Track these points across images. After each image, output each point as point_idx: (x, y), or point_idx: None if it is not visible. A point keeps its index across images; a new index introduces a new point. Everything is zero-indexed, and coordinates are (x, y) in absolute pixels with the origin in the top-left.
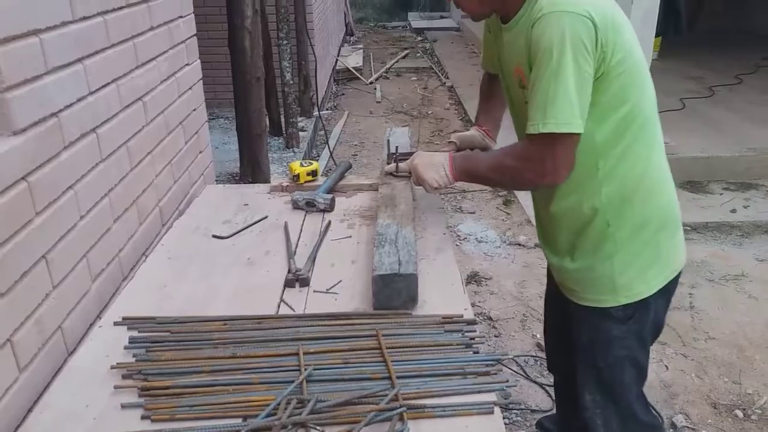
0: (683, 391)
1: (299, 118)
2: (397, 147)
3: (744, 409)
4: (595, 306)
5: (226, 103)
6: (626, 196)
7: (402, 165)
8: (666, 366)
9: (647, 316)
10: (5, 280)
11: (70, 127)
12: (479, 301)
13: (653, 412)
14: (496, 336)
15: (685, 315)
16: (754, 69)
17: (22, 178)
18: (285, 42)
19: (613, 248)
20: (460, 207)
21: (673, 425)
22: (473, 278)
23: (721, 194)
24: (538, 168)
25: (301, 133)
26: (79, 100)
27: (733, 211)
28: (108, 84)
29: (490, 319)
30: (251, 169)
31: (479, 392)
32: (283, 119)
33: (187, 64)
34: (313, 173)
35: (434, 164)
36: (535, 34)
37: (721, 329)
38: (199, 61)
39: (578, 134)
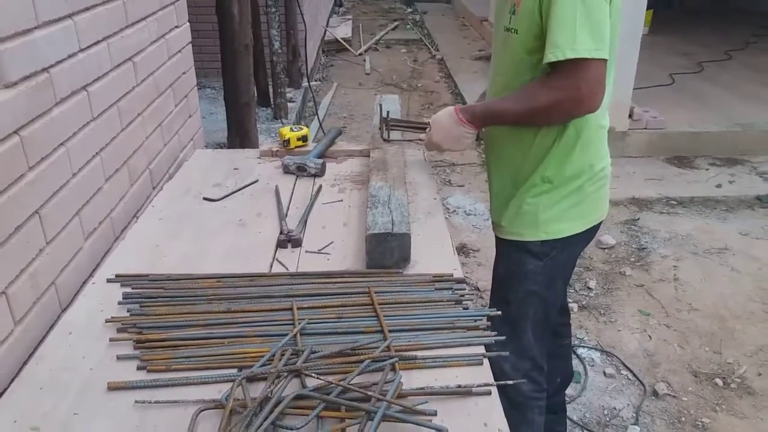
0: (665, 360)
1: (287, 89)
2: (388, 112)
3: (724, 378)
4: (517, 239)
5: (213, 72)
6: (568, 148)
7: (426, 147)
8: (649, 336)
9: (562, 257)
10: (1, 232)
11: (61, 83)
12: (467, 272)
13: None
14: (483, 306)
15: (669, 287)
16: (744, 45)
17: (15, 132)
18: (273, 10)
19: (544, 190)
20: (449, 180)
21: (655, 392)
22: (461, 250)
23: (707, 169)
24: (574, 95)
25: (289, 104)
26: (69, 56)
27: (719, 186)
28: (98, 42)
29: (478, 289)
30: (239, 138)
31: (468, 345)
32: (271, 89)
33: (177, 26)
34: (304, 138)
35: (455, 138)
36: None
37: (704, 301)
38: (188, 24)
39: (606, 60)
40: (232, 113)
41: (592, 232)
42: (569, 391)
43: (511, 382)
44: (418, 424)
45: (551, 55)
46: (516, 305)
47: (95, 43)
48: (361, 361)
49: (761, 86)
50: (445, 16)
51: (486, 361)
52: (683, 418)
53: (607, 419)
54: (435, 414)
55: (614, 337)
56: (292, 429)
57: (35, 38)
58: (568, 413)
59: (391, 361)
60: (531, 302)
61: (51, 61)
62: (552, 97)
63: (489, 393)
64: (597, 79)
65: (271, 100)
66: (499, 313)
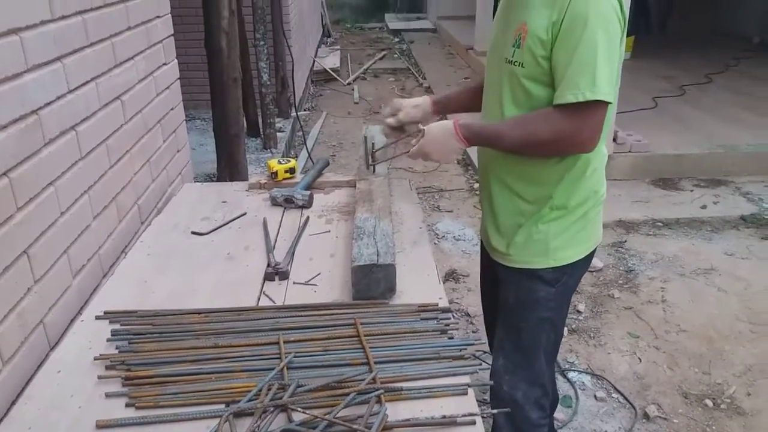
0: (655, 382)
1: (277, 119)
2: (373, 144)
3: (714, 399)
4: (527, 267)
5: (203, 104)
6: (578, 176)
7: (412, 154)
8: (639, 358)
9: (571, 281)
10: None
11: (50, 124)
12: (457, 298)
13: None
14: (473, 331)
15: (657, 309)
16: (724, 69)
17: (4, 174)
18: (262, 43)
19: (553, 217)
20: (437, 206)
21: (646, 415)
22: (451, 275)
23: (691, 191)
24: (575, 136)
25: (278, 134)
26: (58, 98)
27: (704, 207)
28: (87, 82)
29: (468, 315)
30: (229, 170)
31: (454, 375)
32: (260, 120)
33: (165, 64)
34: (291, 170)
35: (447, 151)
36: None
37: (692, 322)
38: (176, 60)
39: (610, 103)
40: (222, 145)
41: (592, 254)
42: (561, 415)
43: (495, 411)
44: None
45: (571, 96)
46: (528, 332)
47: (83, 84)
48: (347, 394)
49: (742, 109)
50: (431, 44)
51: (471, 391)
52: None
53: None
54: None
55: (604, 360)
56: None
57: (24, 82)
58: None
59: (376, 393)
60: (543, 329)
61: (40, 103)
62: (553, 134)
63: (473, 423)
64: (598, 122)
65: (261, 130)
66: (483, 341)
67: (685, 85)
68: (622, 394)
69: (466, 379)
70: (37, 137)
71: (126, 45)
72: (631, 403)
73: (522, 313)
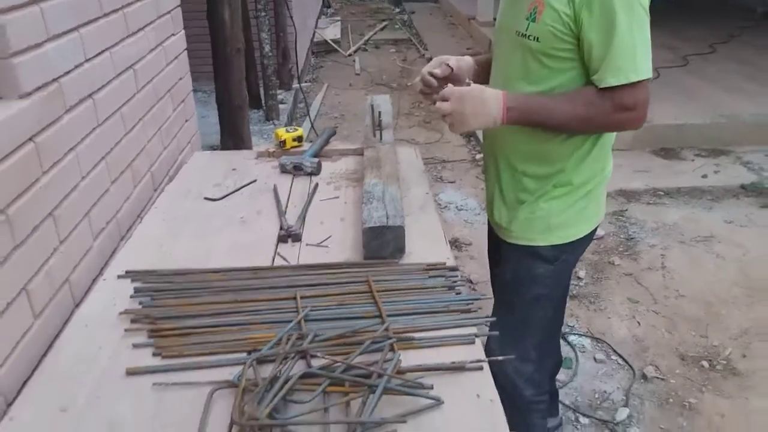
0: (654, 345)
1: (278, 91)
2: (380, 112)
3: (710, 360)
4: (527, 245)
5: (204, 76)
6: (586, 153)
7: (447, 91)
8: (638, 322)
9: (571, 258)
10: (19, 233)
11: (70, 92)
12: (460, 265)
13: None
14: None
15: (656, 274)
16: (728, 39)
17: (30, 139)
18: (263, 14)
19: (557, 194)
20: (440, 176)
21: (644, 376)
22: (453, 244)
23: (692, 160)
24: (637, 117)
25: (280, 106)
26: (76, 66)
27: (704, 176)
28: (102, 52)
29: (470, 281)
30: (233, 141)
31: (461, 326)
32: (262, 91)
33: (173, 34)
34: (299, 139)
35: (481, 113)
36: None
37: (691, 287)
38: (183, 31)
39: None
40: (225, 116)
41: (594, 231)
42: (561, 376)
43: (500, 358)
44: (416, 395)
45: (613, 79)
46: (520, 309)
47: (99, 53)
48: (362, 343)
49: (745, 78)
50: (432, 15)
51: (478, 341)
52: (671, 400)
53: (598, 402)
54: (431, 388)
55: (604, 324)
56: (300, 402)
57: (46, 50)
58: (560, 398)
59: (389, 341)
60: (537, 306)
61: (60, 72)
62: (619, 117)
63: (481, 368)
64: (646, 99)
65: (263, 102)
66: (489, 297)
67: (688, 55)
68: (621, 356)
69: (473, 330)
70: (59, 104)
71: (137, 15)
72: (629, 365)
73: (517, 289)
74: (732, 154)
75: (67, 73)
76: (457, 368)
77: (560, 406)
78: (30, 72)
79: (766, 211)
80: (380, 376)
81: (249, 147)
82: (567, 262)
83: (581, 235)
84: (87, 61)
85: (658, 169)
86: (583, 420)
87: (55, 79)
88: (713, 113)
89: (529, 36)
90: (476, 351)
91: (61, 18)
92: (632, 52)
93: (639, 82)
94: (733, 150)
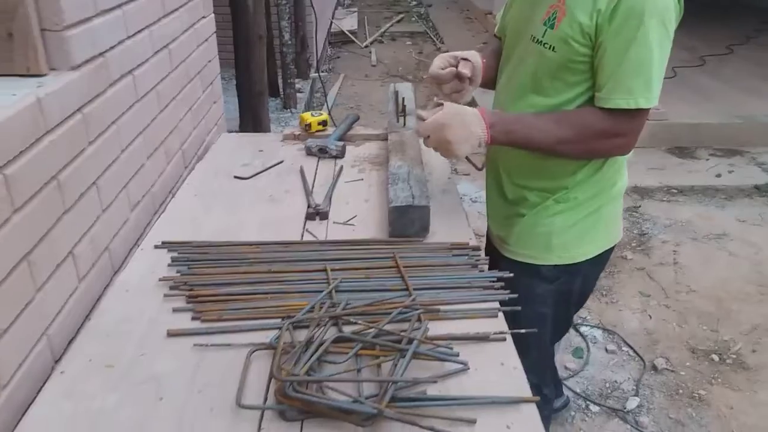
0: (665, 338)
1: (296, 79)
2: (403, 98)
3: (720, 354)
4: (527, 262)
5: (224, 63)
6: (595, 168)
7: (423, 125)
8: (649, 315)
9: (575, 281)
10: (68, 199)
11: (114, 66)
12: None
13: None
14: None
15: (668, 270)
16: (745, 40)
17: (78, 110)
18: (284, 2)
19: (559, 210)
20: (454, 169)
21: (654, 367)
22: None
23: (707, 159)
24: (626, 144)
25: (298, 95)
26: (119, 42)
27: (718, 175)
28: (142, 30)
29: None
30: (252, 127)
31: (485, 301)
32: (280, 80)
33: (204, 17)
34: (324, 123)
35: (465, 135)
36: None
37: (702, 283)
38: (213, 14)
39: None
40: (246, 102)
41: (608, 254)
42: (572, 365)
43: (523, 330)
44: (444, 359)
45: (622, 102)
46: (523, 326)
47: (139, 31)
48: (390, 313)
49: (762, 80)
50: (449, 9)
51: (501, 315)
52: (681, 391)
53: (609, 391)
54: (458, 354)
55: (616, 317)
56: (334, 363)
57: (94, 25)
58: (571, 386)
59: (417, 312)
60: (540, 324)
61: (106, 47)
62: (595, 138)
63: (504, 339)
64: (642, 127)
65: (281, 90)
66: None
67: (705, 56)
68: (632, 348)
69: (496, 305)
70: (104, 78)
71: None
72: (640, 356)
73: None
74: (747, 155)
75: (112, 48)
76: (482, 338)
77: (571, 393)
78: (80, 45)
79: None
80: (410, 341)
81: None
82: (569, 284)
83: (586, 257)
84: (129, 38)
85: (673, 167)
86: (594, 408)
87: (101, 54)
88: (729, 114)
89: (545, 44)
90: (499, 323)
91: None
92: (648, 74)
93: (644, 110)
94: (747, 150)
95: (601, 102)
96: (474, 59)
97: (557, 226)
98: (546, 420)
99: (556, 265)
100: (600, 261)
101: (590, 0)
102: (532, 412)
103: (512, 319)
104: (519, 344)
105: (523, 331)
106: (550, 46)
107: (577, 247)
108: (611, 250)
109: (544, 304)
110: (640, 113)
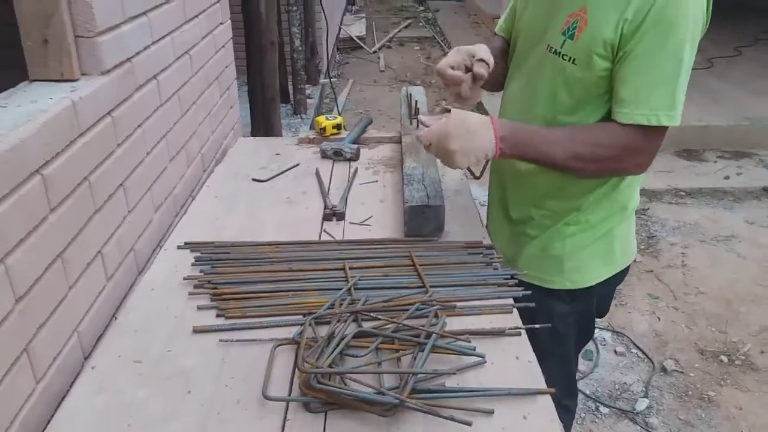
0: (673, 340)
1: (306, 85)
2: (416, 101)
3: (729, 355)
4: (539, 285)
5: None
6: (610, 190)
7: (426, 132)
8: (658, 318)
9: (592, 300)
10: (98, 199)
11: (140, 71)
12: None
13: (575, 395)
14: None
15: (677, 272)
16: (754, 42)
17: (108, 113)
18: (294, 8)
19: (569, 233)
20: (465, 173)
21: (664, 369)
22: None
23: (715, 162)
24: (638, 160)
25: (308, 100)
26: (145, 48)
27: (727, 177)
28: (164, 36)
29: None
30: (264, 132)
31: (500, 297)
32: (291, 86)
33: (221, 23)
34: (338, 126)
35: (471, 146)
36: (670, 3)
37: (711, 285)
38: (230, 21)
39: None
40: (258, 108)
41: (624, 273)
42: (582, 367)
43: (537, 326)
44: (462, 353)
45: (644, 119)
46: (538, 345)
47: (162, 37)
48: (408, 308)
49: None
50: (457, 14)
51: (515, 311)
52: (690, 392)
53: (618, 393)
54: (475, 348)
55: (625, 319)
56: (356, 356)
57: (122, 32)
58: (581, 388)
59: (434, 308)
60: (557, 342)
61: (133, 52)
62: (622, 163)
63: (519, 334)
64: (660, 144)
65: (291, 96)
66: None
67: (713, 58)
68: (641, 350)
69: (510, 301)
70: (131, 82)
71: (193, 3)
72: (649, 358)
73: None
74: (755, 157)
75: (138, 53)
76: (497, 333)
77: (581, 395)
78: (110, 51)
79: None
80: (428, 335)
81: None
82: (588, 304)
83: (600, 280)
84: (153, 44)
85: (681, 169)
86: (604, 410)
87: (128, 59)
88: (737, 116)
89: (564, 56)
90: (514, 319)
91: (135, 2)
92: (673, 90)
93: (665, 126)
94: (756, 153)
95: (621, 117)
96: (488, 59)
97: (568, 250)
98: (567, 429)
99: (570, 290)
100: (615, 280)
101: (617, 9)
102: (547, 403)
103: (532, 336)
104: (541, 362)
105: (537, 326)
106: (570, 58)
107: (590, 271)
108: (627, 269)
109: (564, 323)
110: (660, 131)
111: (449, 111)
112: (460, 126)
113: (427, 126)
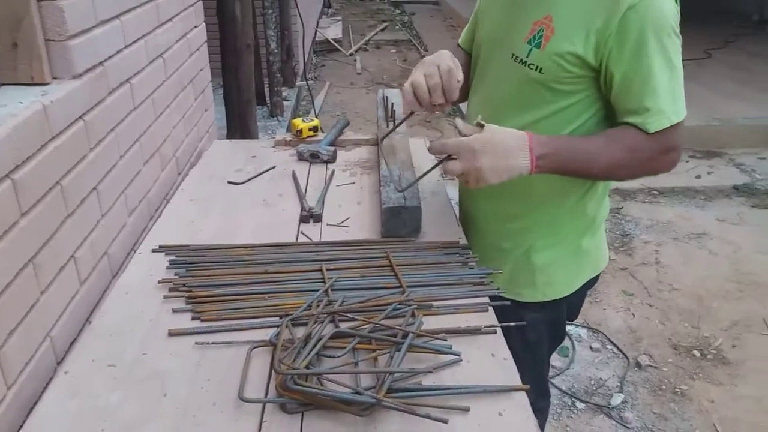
0: (647, 335)
1: (282, 88)
2: (392, 104)
3: (701, 350)
4: (510, 298)
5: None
6: (575, 206)
7: (452, 145)
8: (632, 314)
9: (563, 309)
10: (71, 204)
11: (112, 75)
12: None
13: (547, 395)
14: None
15: (651, 269)
16: (723, 45)
17: (80, 117)
18: (270, 11)
19: (542, 246)
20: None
21: (638, 364)
22: None
23: (687, 161)
24: (673, 156)
25: (284, 103)
26: (117, 52)
27: (698, 176)
28: (138, 40)
29: None
30: (240, 135)
31: (475, 297)
32: (267, 88)
33: (195, 26)
34: (315, 129)
35: (503, 166)
36: (641, 8)
37: (684, 282)
38: (204, 24)
39: None
40: (233, 111)
41: (594, 279)
42: (558, 363)
43: (513, 324)
44: (438, 351)
45: (656, 123)
46: (510, 352)
47: (135, 41)
48: (385, 308)
49: (739, 84)
50: (433, 17)
51: (491, 309)
52: (664, 386)
53: (594, 388)
54: (451, 347)
55: (600, 316)
56: (333, 357)
57: (94, 35)
58: (557, 384)
59: (411, 307)
60: (529, 350)
61: (105, 56)
62: (659, 163)
63: (495, 332)
64: (681, 138)
65: (268, 98)
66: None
67: (684, 60)
68: (616, 345)
69: (486, 300)
70: (104, 86)
71: (167, 6)
72: (624, 354)
73: (506, 335)
74: (726, 156)
75: (110, 57)
76: (473, 331)
77: (557, 392)
78: (82, 54)
79: (757, 210)
80: (405, 335)
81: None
82: (559, 312)
83: (572, 291)
84: (126, 47)
85: None
86: (580, 405)
87: (101, 63)
88: (708, 116)
89: (530, 65)
90: (490, 317)
91: (107, 5)
92: (670, 91)
93: (679, 124)
94: (726, 152)
95: (639, 125)
96: (454, 66)
97: (539, 265)
98: (541, 427)
99: (542, 302)
100: (586, 287)
101: (584, 17)
102: (522, 399)
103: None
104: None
105: (512, 324)
106: (537, 67)
107: (562, 284)
108: (598, 275)
109: (536, 331)
110: (674, 129)
111: (482, 126)
112: (496, 144)
113: (463, 134)
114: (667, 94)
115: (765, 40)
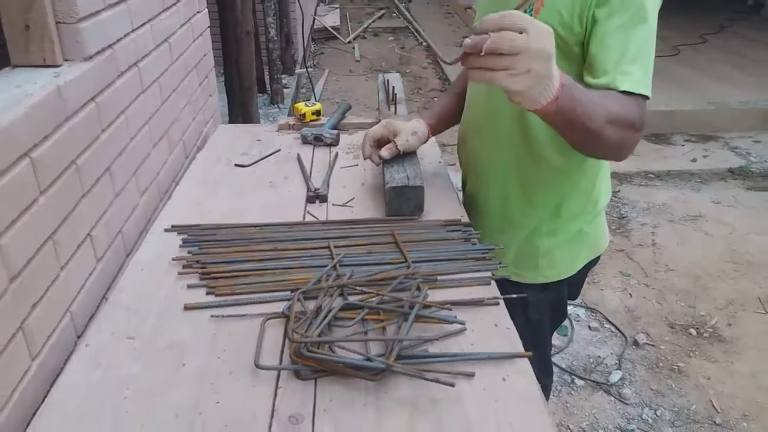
0: (645, 315)
1: (282, 75)
2: (393, 87)
3: (697, 328)
4: (515, 279)
5: None
6: (588, 187)
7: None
8: (630, 294)
9: (564, 288)
10: (86, 183)
11: (121, 58)
12: None
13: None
14: None
15: (647, 251)
16: (718, 30)
17: (92, 99)
18: None
19: (546, 231)
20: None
21: (636, 342)
22: None
23: (682, 145)
24: (639, 136)
25: (284, 90)
26: (125, 35)
27: (694, 160)
28: (144, 24)
29: None
30: (241, 122)
31: (478, 270)
32: (267, 76)
33: (198, 12)
34: (317, 113)
35: (545, 71)
36: None
37: (680, 262)
38: (207, 9)
39: None
40: (235, 98)
41: (595, 261)
42: (557, 341)
43: (515, 296)
44: (444, 320)
45: (627, 84)
46: (521, 332)
47: (142, 25)
48: (392, 282)
49: (734, 68)
50: (429, 4)
51: (493, 282)
52: (661, 364)
53: (593, 366)
54: (456, 317)
55: (598, 296)
56: (343, 327)
57: (103, 18)
58: (557, 362)
59: (416, 281)
60: (532, 329)
61: (114, 39)
62: (639, 133)
63: (497, 304)
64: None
65: (268, 86)
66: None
67: (679, 45)
68: (613, 325)
69: (488, 274)
70: (113, 69)
71: None
72: (621, 332)
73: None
74: (721, 140)
75: (119, 40)
76: (477, 303)
77: (557, 369)
78: (92, 37)
79: (752, 193)
80: (412, 306)
81: None
82: (560, 292)
83: (574, 272)
84: (133, 31)
85: (650, 153)
86: (579, 382)
87: (110, 45)
88: (702, 100)
89: None
90: (492, 290)
91: None
92: (647, 62)
93: (644, 97)
94: (721, 136)
95: (608, 83)
96: (402, 144)
97: (543, 249)
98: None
99: (543, 284)
100: (588, 266)
101: None
102: (525, 365)
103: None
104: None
105: (514, 296)
106: None
107: (564, 266)
108: (599, 256)
109: (538, 311)
110: (641, 100)
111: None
112: (542, 31)
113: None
114: (642, 62)
115: (760, 25)
